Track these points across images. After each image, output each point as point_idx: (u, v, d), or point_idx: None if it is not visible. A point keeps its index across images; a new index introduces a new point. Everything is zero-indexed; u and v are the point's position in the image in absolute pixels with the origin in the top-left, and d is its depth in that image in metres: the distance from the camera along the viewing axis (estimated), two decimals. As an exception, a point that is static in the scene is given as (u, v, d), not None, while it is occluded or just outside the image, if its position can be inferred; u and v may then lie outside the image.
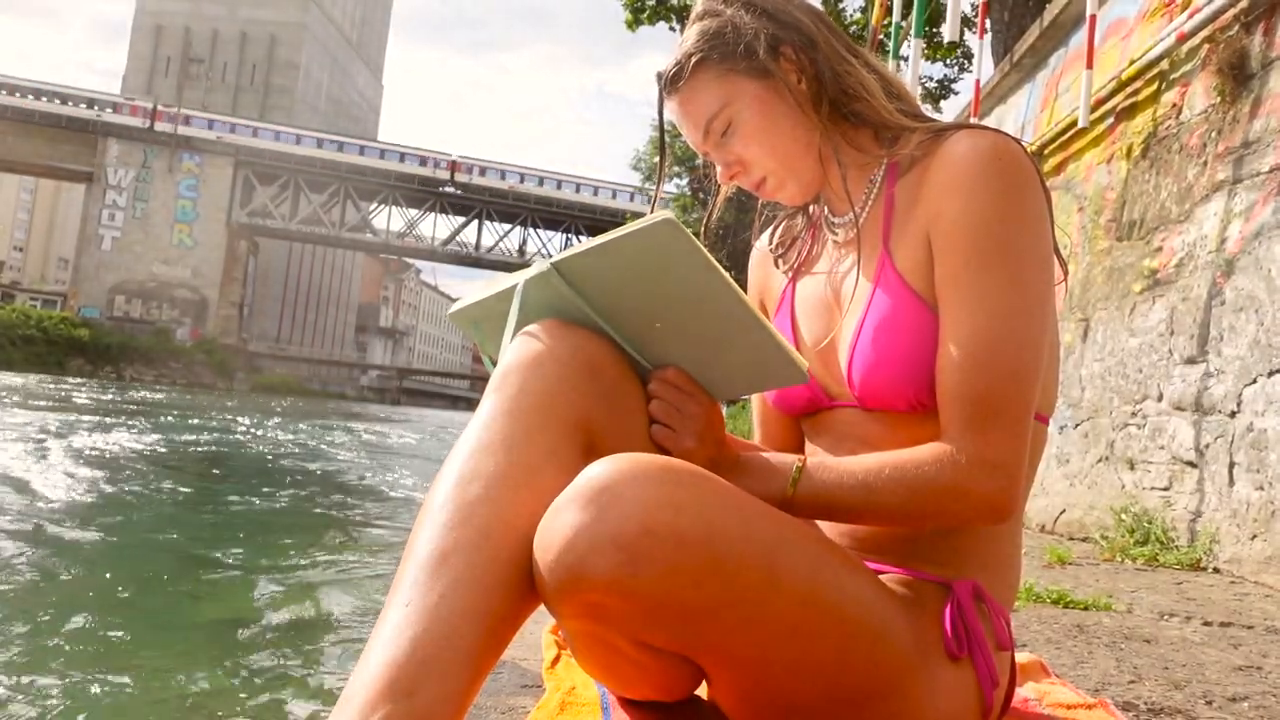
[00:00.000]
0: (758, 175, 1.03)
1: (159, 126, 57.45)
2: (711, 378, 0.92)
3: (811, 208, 1.12)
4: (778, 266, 1.13)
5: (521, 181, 60.56)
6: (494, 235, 61.59)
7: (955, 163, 0.90)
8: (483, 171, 60.85)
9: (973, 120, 5.19)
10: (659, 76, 1.04)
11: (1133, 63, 4.17)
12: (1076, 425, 4.41)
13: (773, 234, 1.16)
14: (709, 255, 0.82)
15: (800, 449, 1.09)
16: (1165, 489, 3.49)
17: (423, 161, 60.52)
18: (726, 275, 0.83)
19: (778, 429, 1.13)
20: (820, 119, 0.99)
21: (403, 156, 60.29)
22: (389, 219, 62.37)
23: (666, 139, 1.09)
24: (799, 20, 1.00)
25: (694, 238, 0.81)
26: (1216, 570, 3.03)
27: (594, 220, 59.11)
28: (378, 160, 60.10)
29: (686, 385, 0.91)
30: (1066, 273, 0.99)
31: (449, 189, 60.49)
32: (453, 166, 60.51)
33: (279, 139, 59.23)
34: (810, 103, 0.99)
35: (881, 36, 6.11)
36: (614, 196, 60.59)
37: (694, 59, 1.00)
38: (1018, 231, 0.88)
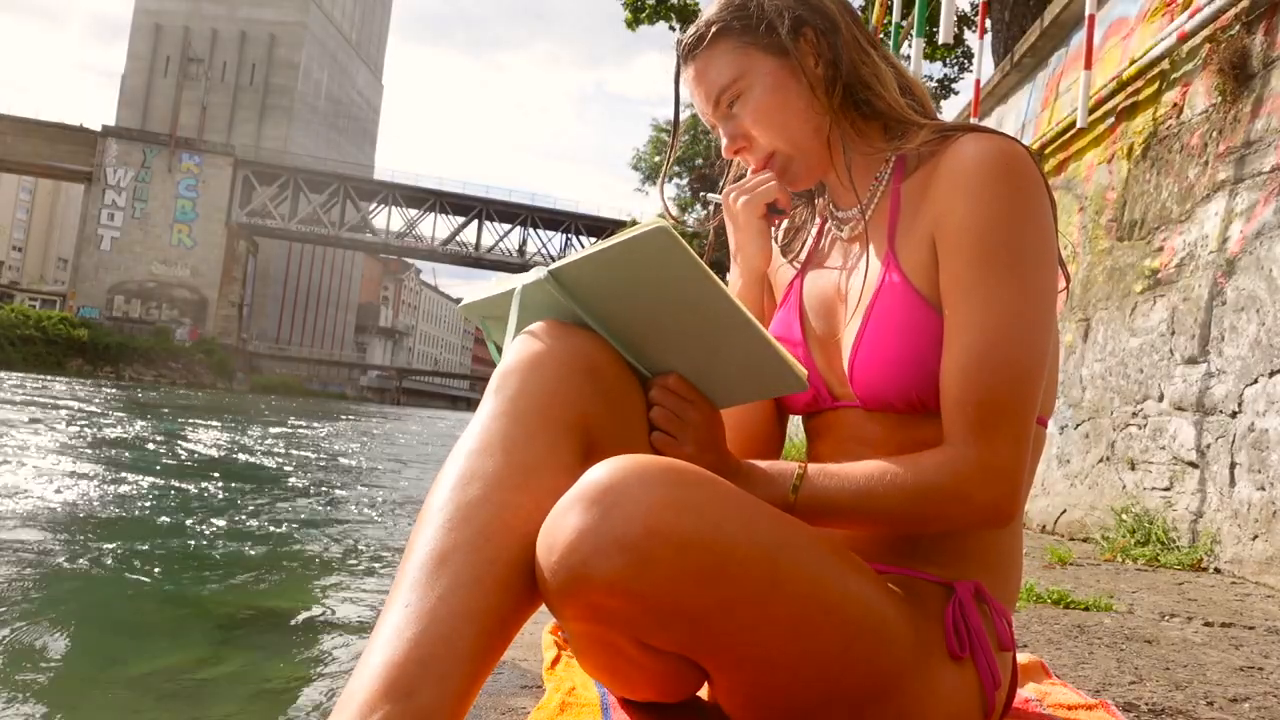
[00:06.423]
0: (764, 151, 1.03)
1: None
2: (711, 385, 0.92)
3: (816, 200, 1.12)
4: (784, 256, 1.13)
5: None
6: (494, 235, 61.54)
7: (962, 166, 0.90)
8: None
9: (973, 120, 5.20)
10: (679, 44, 1.05)
11: (1133, 62, 4.16)
12: (1077, 425, 4.40)
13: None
14: (703, 264, 0.82)
15: (777, 447, 1.09)
16: (1166, 489, 3.49)
17: None
18: (721, 284, 0.83)
19: (755, 424, 1.10)
20: (831, 105, 0.99)
21: None
22: (389, 219, 62.31)
23: (681, 109, 1.08)
24: (825, 5, 1.00)
25: (688, 246, 0.81)
26: (1218, 571, 3.03)
27: (594, 221, 59.01)
28: None
29: (687, 392, 0.91)
30: (1069, 281, 0.99)
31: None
32: None
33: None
34: (824, 87, 0.99)
35: (881, 36, 6.12)
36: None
37: (715, 27, 1.00)
38: (1023, 236, 0.88)
